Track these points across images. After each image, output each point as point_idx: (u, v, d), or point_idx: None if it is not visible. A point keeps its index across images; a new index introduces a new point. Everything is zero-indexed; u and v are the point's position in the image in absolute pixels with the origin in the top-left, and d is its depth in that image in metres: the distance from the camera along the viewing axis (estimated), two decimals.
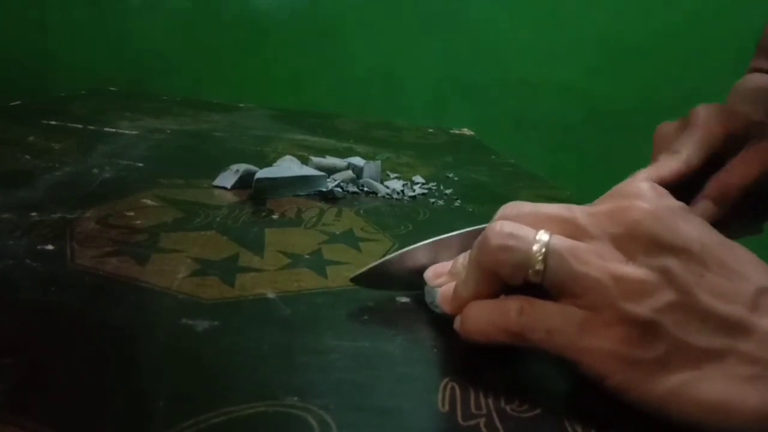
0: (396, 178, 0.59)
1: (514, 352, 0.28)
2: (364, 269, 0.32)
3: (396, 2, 1.25)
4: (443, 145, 0.87)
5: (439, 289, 0.30)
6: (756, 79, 0.45)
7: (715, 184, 0.36)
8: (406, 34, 1.26)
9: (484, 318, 0.26)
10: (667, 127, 0.39)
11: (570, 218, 0.25)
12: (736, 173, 0.36)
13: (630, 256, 0.23)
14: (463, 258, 0.30)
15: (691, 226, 0.24)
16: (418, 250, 0.32)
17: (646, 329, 0.22)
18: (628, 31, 1.24)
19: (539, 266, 0.24)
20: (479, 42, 1.26)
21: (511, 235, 0.25)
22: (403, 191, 0.54)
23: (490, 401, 0.24)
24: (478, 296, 0.27)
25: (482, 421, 0.22)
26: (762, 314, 0.22)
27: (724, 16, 1.19)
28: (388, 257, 0.32)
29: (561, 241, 0.24)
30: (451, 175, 0.64)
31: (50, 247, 0.34)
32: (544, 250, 0.24)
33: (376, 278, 0.32)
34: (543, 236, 0.25)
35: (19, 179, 0.46)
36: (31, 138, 0.60)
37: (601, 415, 0.24)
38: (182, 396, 0.22)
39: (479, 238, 0.26)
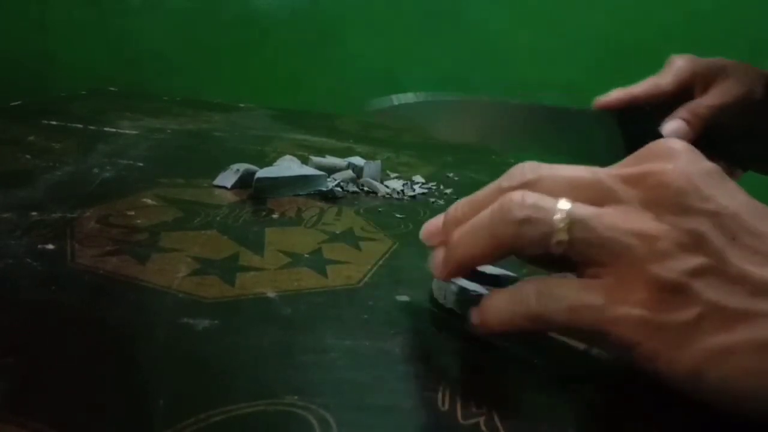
0: (396, 177, 0.59)
1: (513, 351, 0.28)
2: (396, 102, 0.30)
3: (396, 2, 1.25)
4: (443, 145, 0.87)
5: (450, 286, 0.29)
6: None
7: (684, 107, 0.44)
8: (406, 34, 1.26)
9: (504, 308, 0.25)
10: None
11: (596, 182, 0.24)
12: (704, 98, 0.45)
13: (660, 219, 0.22)
14: (462, 206, 0.27)
15: (723, 190, 0.23)
16: (440, 101, 0.31)
17: (676, 292, 0.21)
18: (628, 31, 1.24)
19: (563, 236, 0.23)
20: (479, 42, 1.26)
21: (534, 206, 0.23)
22: (403, 191, 0.54)
23: (490, 400, 0.24)
24: (474, 257, 0.25)
25: (482, 420, 0.22)
26: None
27: (724, 16, 1.20)
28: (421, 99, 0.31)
29: (585, 210, 0.23)
30: (451, 175, 0.64)
31: (50, 246, 0.34)
32: (568, 219, 0.23)
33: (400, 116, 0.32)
34: (564, 205, 0.23)
35: (19, 179, 0.46)
36: (31, 138, 0.60)
37: (602, 413, 0.24)
38: (182, 395, 0.22)
39: (496, 206, 0.25)
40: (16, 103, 0.78)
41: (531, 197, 0.24)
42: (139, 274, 0.32)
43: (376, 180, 0.55)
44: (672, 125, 0.43)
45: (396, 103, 0.32)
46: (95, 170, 0.50)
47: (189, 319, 0.27)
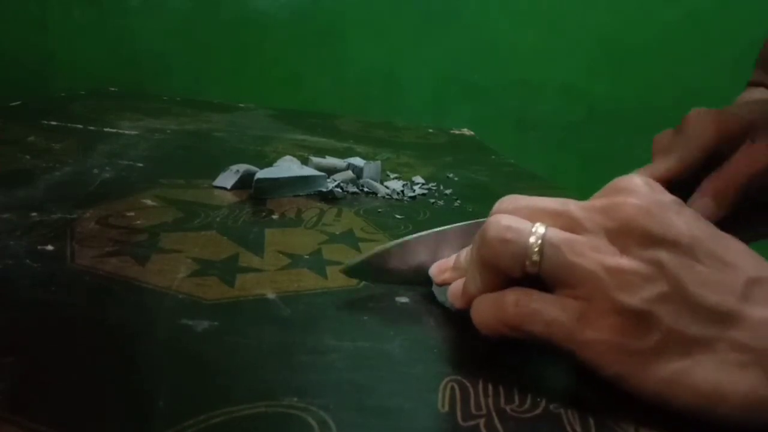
0: (396, 178, 0.59)
1: (513, 352, 0.28)
2: (357, 259, 0.32)
3: (396, 2, 1.25)
4: (443, 145, 0.87)
5: (448, 286, 0.30)
6: (755, 93, 0.46)
7: (711, 182, 0.37)
8: (406, 34, 1.26)
9: (487, 312, 0.27)
10: (664, 135, 0.40)
11: (565, 212, 0.26)
12: (732, 171, 0.37)
13: (623, 250, 0.24)
14: (466, 252, 0.31)
15: (683, 220, 0.24)
16: (413, 242, 0.33)
17: (640, 319, 0.23)
18: (628, 31, 1.24)
19: (536, 257, 0.25)
20: (479, 42, 1.26)
21: (508, 228, 0.26)
22: (403, 191, 0.54)
23: (490, 401, 0.24)
24: (486, 290, 0.27)
25: (482, 421, 0.23)
26: (752, 304, 0.23)
27: (724, 16, 1.20)
28: (380, 248, 0.32)
29: (557, 233, 0.25)
30: (451, 175, 0.64)
31: (50, 247, 0.34)
32: (540, 241, 0.25)
33: (369, 270, 0.32)
34: (540, 228, 0.25)
35: (19, 179, 0.46)
36: (31, 138, 0.60)
37: (601, 415, 0.24)
38: (182, 396, 0.22)
39: (479, 232, 0.27)
40: (16, 103, 0.78)
41: (507, 220, 0.26)
42: (139, 274, 0.32)
43: (375, 181, 0.55)
44: (699, 205, 0.37)
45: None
46: (95, 171, 0.50)
47: (189, 320, 0.27)
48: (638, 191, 0.25)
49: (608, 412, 0.24)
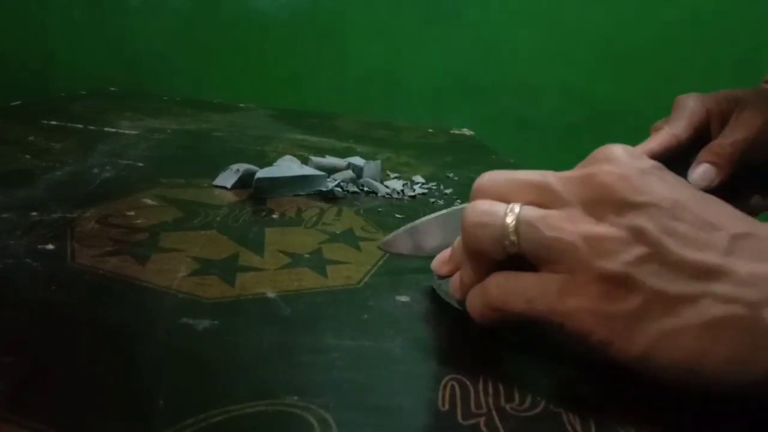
0: (396, 177, 0.59)
1: (514, 351, 0.28)
2: (396, 232, 0.34)
3: (396, 2, 1.25)
4: (443, 145, 0.87)
5: (450, 279, 0.31)
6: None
7: (708, 150, 0.40)
8: (406, 34, 1.26)
9: (476, 300, 0.27)
10: (660, 123, 0.43)
11: (544, 184, 0.26)
12: (728, 137, 0.40)
13: (601, 218, 0.24)
14: (457, 241, 0.30)
15: (661, 183, 0.24)
16: (452, 214, 0.33)
17: (621, 283, 0.23)
18: (628, 31, 1.24)
19: (513, 237, 0.25)
20: (479, 42, 1.26)
21: (485, 212, 0.26)
22: (403, 191, 0.54)
23: (490, 400, 0.24)
24: (478, 277, 0.27)
25: (482, 420, 0.23)
26: (737, 257, 0.22)
27: (724, 17, 1.19)
28: (419, 221, 0.33)
29: (531, 211, 0.25)
30: (451, 175, 0.64)
31: (50, 246, 0.34)
32: (515, 221, 0.25)
33: (408, 243, 0.34)
34: (515, 208, 0.25)
35: (19, 179, 0.46)
36: (31, 138, 0.60)
37: (601, 414, 0.24)
38: (182, 395, 0.22)
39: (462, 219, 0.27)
40: (16, 103, 0.78)
41: (484, 204, 0.26)
42: (139, 274, 0.32)
43: (376, 180, 0.55)
44: (699, 171, 0.40)
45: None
46: (95, 170, 0.50)
47: (189, 320, 0.27)
48: (617, 159, 0.25)
49: (608, 412, 0.24)
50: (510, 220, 0.25)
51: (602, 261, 0.23)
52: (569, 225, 0.24)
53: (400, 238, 0.34)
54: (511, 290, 0.25)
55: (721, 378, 0.22)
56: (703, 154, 0.40)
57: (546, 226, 0.24)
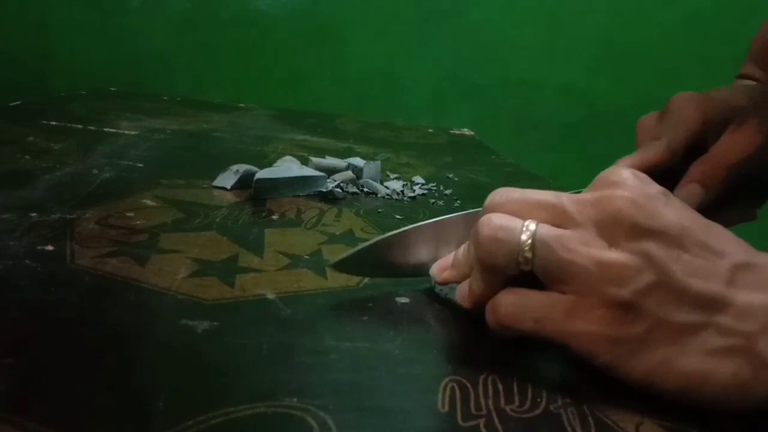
0: (396, 178, 0.59)
1: (513, 352, 0.28)
2: (348, 253, 0.32)
3: (396, 2, 1.25)
4: (443, 145, 0.87)
5: (454, 285, 0.31)
6: (741, 83, 0.46)
7: (698, 168, 0.38)
8: (406, 33, 1.26)
9: (488, 317, 0.27)
10: (648, 118, 0.42)
11: (558, 204, 0.26)
12: (719, 155, 0.38)
13: (612, 242, 0.24)
14: (463, 249, 0.31)
15: (670, 210, 0.25)
16: (409, 233, 0.33)
17: (628, 310, 0.24)
18: (628, 31, 1.24)
19: (528, 254, 0.25)
20: (479, 42, 1.26)
21: (500, 227, 0.26)
22: (403, 192, 0.54)
23: (490, 402, 0.24)
24: (489, 289, 0.27)
25: (482, 421, 0.23)
26: (737, 289, 0.23)
27: (724, 16, 1.19)
28: (372, 241, 0.32)
29: (547, 230, 0.25)
30: (451, 176, 0.64)
31: (50, 247, 0.34)
32: (531, 239, 0.25)
33: (363, 264, 0.33)
34: (531, 225, 0.26)
35: (19, 179, 0.46)
36: (31, 138, 0.60)
37: (601, 415, 0.24)
38: (182, 396, 0.22)
39: (472, 232, 0.28)
40: (16, 103, 0.78)
41: (499, 219, 0.26)
42: (139, 275, 0.32)
43: (375, 181, 0.55)
44: (687, 190, 0.37)
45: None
46: (95, 171, 0.50)
47: (188, 321, 0.27)
48: (626, 184, 0.25)
49: (608, 412, 0.24)
50: (525, 237, 0.25)
51: (612, 287, 0.24)
52: (583, 247, 0.25)
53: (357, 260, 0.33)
54: (519, 309, 0.26)
55: (722, 402, 0.23)
56: (694, 170, 0.38)
57: (561, 246, 0.25)
